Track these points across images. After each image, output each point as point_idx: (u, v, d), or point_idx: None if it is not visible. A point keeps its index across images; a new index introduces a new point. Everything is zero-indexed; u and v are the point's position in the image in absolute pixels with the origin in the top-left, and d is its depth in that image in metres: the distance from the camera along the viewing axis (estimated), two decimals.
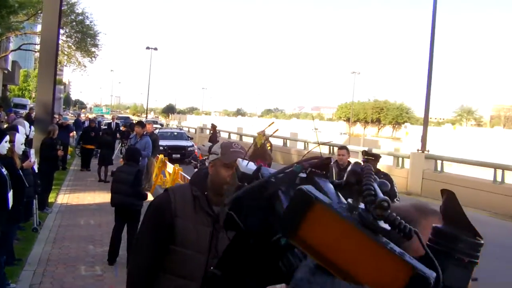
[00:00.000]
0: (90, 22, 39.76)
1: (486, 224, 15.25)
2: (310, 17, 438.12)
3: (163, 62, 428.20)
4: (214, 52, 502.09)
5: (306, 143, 32.22)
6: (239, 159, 1.79)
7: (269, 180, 1.37)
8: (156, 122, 64.51)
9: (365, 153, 9.50)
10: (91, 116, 48.38)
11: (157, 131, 30.91)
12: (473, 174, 22.57)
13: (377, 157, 9.11)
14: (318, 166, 1.32)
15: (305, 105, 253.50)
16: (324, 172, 1.31)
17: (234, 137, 43.18)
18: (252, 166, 1.68)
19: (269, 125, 7.15)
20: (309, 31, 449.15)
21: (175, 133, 32.03)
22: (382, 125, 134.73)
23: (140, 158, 10.17)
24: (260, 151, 11.70)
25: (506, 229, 14.80)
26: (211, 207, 3.10)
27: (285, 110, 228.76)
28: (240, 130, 47.35)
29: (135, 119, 76.41)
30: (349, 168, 1.09)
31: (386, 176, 8.84)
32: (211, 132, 28.07)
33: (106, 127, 29.66)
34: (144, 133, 16.55)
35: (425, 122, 23.43)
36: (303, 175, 1.33)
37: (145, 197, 9.33)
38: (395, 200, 8.71)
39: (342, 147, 10.76)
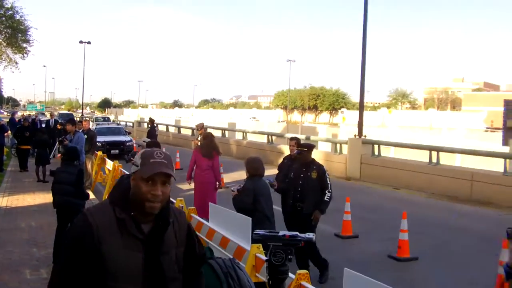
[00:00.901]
0: (21, 16, 38.56)
1: (424, 206, 15.75)
2: (243, 7, 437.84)
3: (97, 56, 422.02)
4: (148, 44, 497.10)
5: (244, 133, 32.31)
6: None
7: None
8: (107, 119, 60.73)
9: (298, 145, 9.61)
10: (26, 114, 47.04)
11: (93, 127, 30.60)
12: (410, 156, 23.18)
13: (310, 148, 9.17)
14: None
15: (242, 94, 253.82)
16: None
17: (172, 130, 43.00)
18: None
19: None
20: (242, 20, 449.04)
21: (113, 129, 31.62)
22: (319, 111, 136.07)
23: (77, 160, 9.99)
24: (209, 145, 11.87)
25: (443, 209, 15.27)
26: (140, 229, 2.64)
27: (222, 100, 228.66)
28: (178, 122, 47.23)
29: (79, 116, 74.37)
30: None
31: (320, 167, 8.93)
32: (149, 126, 27.79)
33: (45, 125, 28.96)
34: (80, 130, 16.48)
35: (361, 108, 23.83)
36: None
37: (88, 196, 9.26)
38: (326, 192, 8.74)
39: (292, 138, 10.88)
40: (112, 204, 2.67)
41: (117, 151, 26.63)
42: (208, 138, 12.13)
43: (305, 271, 4.91)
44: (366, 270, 8.96)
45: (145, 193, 2.58)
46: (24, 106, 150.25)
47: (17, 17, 38.17)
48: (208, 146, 11.73)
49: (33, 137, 20.67)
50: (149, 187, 2.59)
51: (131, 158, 11.88)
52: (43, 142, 19.41)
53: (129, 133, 33.85)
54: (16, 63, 40.98)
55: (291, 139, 10.80)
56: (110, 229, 2.57)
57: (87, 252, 2.52)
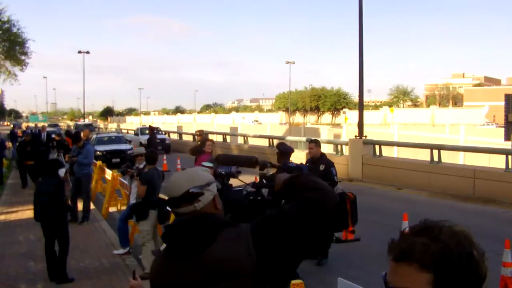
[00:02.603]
0: (18, 29, 38.65)
1: (426, 205, 15.61)
2: (241, 11, 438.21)
3: (97, 64, 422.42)
4: (148, 51, 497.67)
5: (245, 138, 32.20)
6: None
7: None
8: (156, 131, 34.22)
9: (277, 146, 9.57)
10: (32, 125, 46.68)
11: (94, 136, 30.49)
12: (413, 155, 23.09)
13: (284, 153, 8.89)
14: None
15: (244, 98, 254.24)
16: None
17: (174, 137, 42.93)
18: None
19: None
20: (241, 23, 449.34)
21: (113, 137, 31.42)
22: (321, 112, 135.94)
23: (61, 168, 9.54)
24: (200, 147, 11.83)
25: (445, 208, 15.12)
26: None
27: (224, 104, 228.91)
28: (180, 128, 47.16)
29: (102, 126, 72.55)
30: None
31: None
32: (150, 134, 27.42)
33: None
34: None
35: (360, 109, 23.67)
36: None
37: (69, 208, 8.96)
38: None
39: (311, 141, 10.83)
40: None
41: (118, 159, 26.47)
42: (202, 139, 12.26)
43: (299, 281, 4.78)
44: (366, 274, 8.89)
45: None
46: (26, 117, 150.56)
47: (14, 30, 38.22)
48: (196, 148, 11.85)
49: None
50: None
51: (128, 170, 11.39)
52: (41, 154, 19.21)
53: (130, 141, 33.64)
54: (15, 75, 41.14)
55: (310, 142, 10.79)
56: None
57: None
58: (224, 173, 4.16)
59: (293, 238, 2.26)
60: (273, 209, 2.39)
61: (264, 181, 3.55)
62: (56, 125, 68.66)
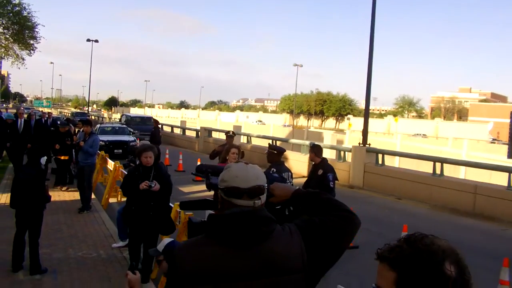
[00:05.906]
0: (28, 13, 38.60)
1: (425, 218, 15.57)
2: (253, 10, 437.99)
3: (105, 54, 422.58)
4: (156, 45, 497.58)
5: (248, 137, 32.09)
6: None
7: None
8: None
9: (269, 146, 9.81)
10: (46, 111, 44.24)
11: (97, 126, 30.38)
12: (415, 166, 23.04)
13: (279, 152, 9.31)
14: None
15: (249, 97, 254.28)
16: None
17: (178, 131, 42.86)
18: None
19: None
20: (251, 23, 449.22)
21: (117, 128, 31.28)
22: (325, 117, 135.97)
23: (43, 158, 9.17)
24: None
25: (444, 222, 15.08)
26: None
27: (229, 102, 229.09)
28: (184, 123, 47.09)
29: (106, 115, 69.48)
30: None
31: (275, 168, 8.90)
32: (153, 127, 27.03)
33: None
34: (81, 130, 16.07)
35: (366, 117, 23.55)
36: None
37: (48, 199, 8.61)
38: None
39: (311, 146, 10.91)
40: None
41: (120, 150, 26.27)
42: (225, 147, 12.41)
43: None
44: (363, 284, 8.86)
45: None
46: (31, 101, 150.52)
47: (24, 13, 38.24)
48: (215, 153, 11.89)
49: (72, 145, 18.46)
50: None
51: (131, 164, 11.11)
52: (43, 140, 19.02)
53: (134, 132, 33.40)
54: (23, 59, 41.11)
55: (310, 146, 10.89)
56: None
57: None
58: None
59: (331, 245, 2.48)
60: (313, 217, 2.55)
61: None
62: (84, 114, 64.82)
